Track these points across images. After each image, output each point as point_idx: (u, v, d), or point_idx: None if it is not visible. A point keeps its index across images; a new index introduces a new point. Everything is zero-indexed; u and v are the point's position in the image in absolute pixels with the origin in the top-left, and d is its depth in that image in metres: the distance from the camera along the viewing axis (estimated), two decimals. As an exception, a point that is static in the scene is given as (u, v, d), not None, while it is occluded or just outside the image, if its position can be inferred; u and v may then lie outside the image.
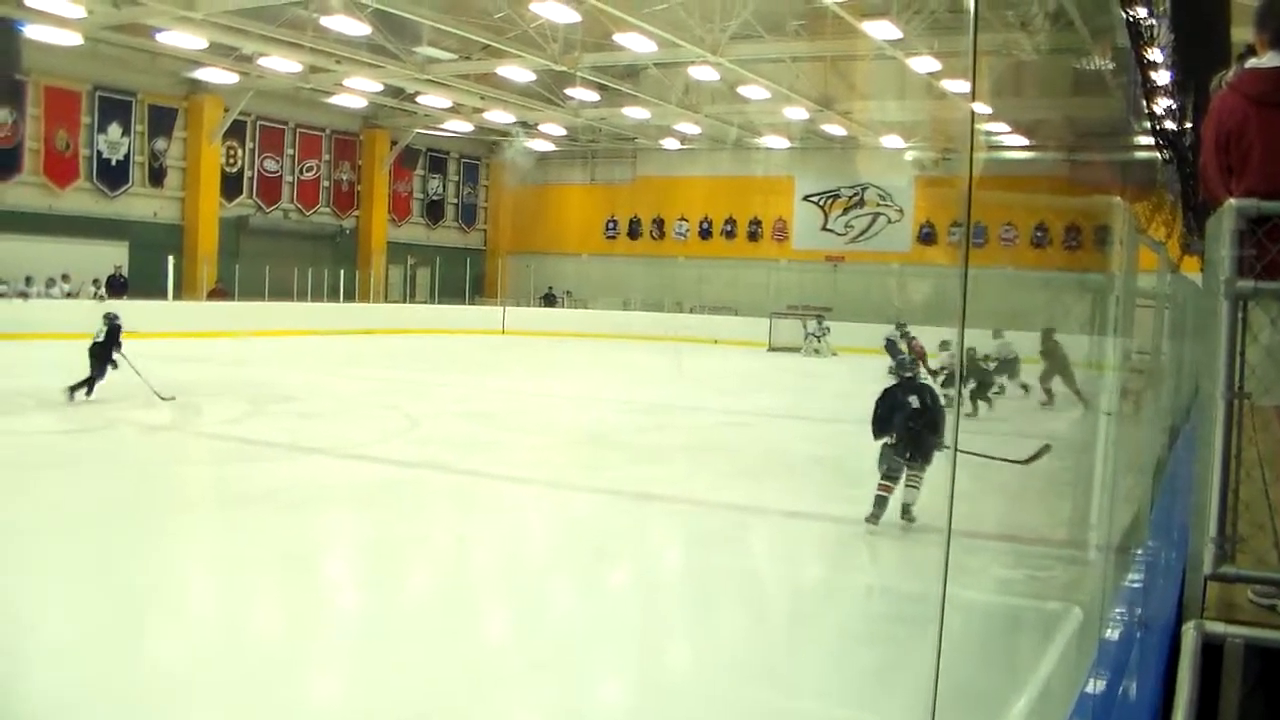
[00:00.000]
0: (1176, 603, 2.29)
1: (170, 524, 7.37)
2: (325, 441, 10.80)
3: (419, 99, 26.46)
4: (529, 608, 5.89)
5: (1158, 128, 16.56)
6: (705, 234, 32.43)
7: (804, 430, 13.24)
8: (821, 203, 30.66)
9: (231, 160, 26.64)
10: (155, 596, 5.70)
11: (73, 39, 19.71)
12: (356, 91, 25.60)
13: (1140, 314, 3.78)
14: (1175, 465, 4.92)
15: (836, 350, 24.82)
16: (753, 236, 31.70)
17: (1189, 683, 1.83)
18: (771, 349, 26.00)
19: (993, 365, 14.18)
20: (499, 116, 28.28)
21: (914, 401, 7.46)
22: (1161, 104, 15.43)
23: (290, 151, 28.39)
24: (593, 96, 25.29)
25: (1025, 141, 26.25)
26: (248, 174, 27.25)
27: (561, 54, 20.68)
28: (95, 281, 22.56)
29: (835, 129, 26.57)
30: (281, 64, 22.32)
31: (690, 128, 28.34)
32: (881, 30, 17.89)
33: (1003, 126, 25.08)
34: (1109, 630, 2.77)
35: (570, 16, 18.10)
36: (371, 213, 30.63)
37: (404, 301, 30.85)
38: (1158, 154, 18.06)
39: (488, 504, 8.48)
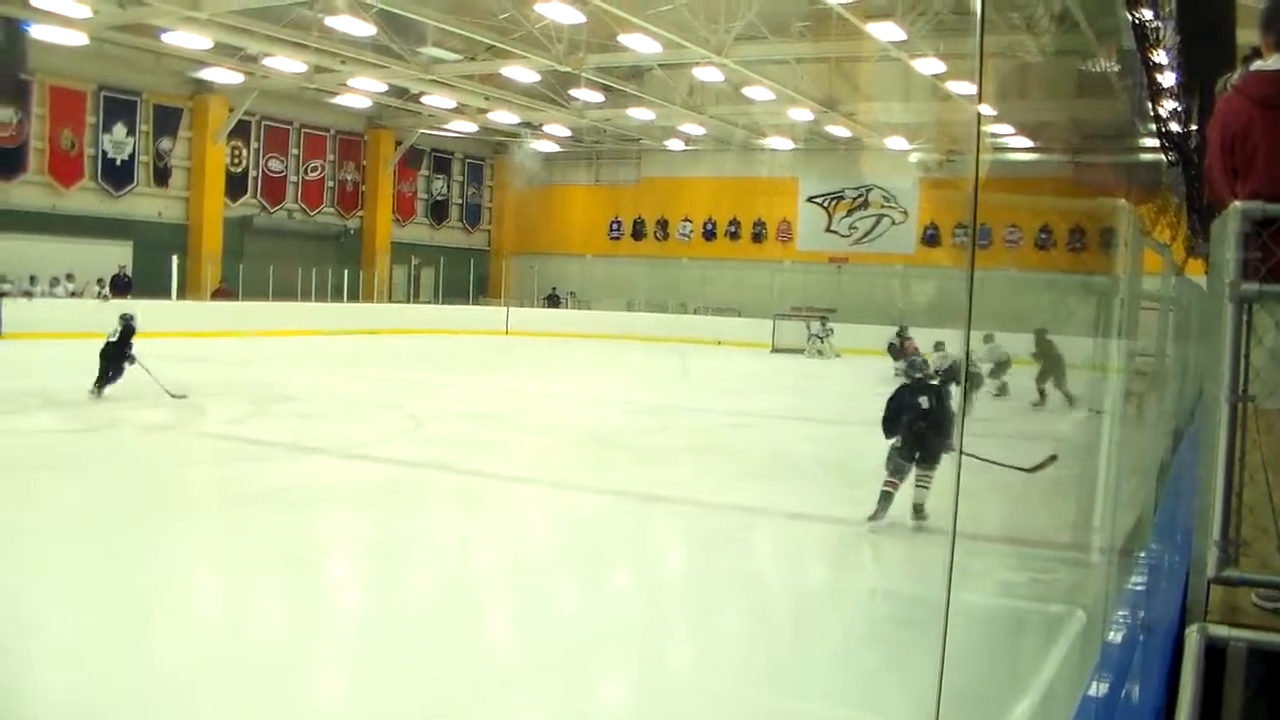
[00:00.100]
0: (1180, 606, 2.29)
1: (173, 524, 7.37)
2: (328, 441, 10.81)
3: (424, 99, 26.49)
4: (532, 608, 5.89)
5: (1163, 130, 16.55)
6: (709, 235, 32.40)
7: (807, 431, 13.23)
8: (826, 204, 30.64)
9: (236, 160, 26.67)
10: (158, 596, 5.69)
11: (78, 39, 19.76)
12: (361, 92, 25.65)
13: (1144, 317, 3.77)
14: (1179, 468, 4.91)
15: (840, 352, 24.79)
16: (757, 238, 31.69)
17: (1192, 686, 1.82)
18: (775, 350, 25.96)
19: (986, 369, 14.16)
20: (503, 117, 28.31)
21: (924, 402, 7.45)
22: (1167, 106, 15.42)
23: (295, 151, 28.41)
24: (597, 97, 25.30)
25: (1030, 143, 26.19)
26: (252, 174, 27.27)
27: (566, 55, 20.68)
28: (100, 281, 22.58)
29: (840, 130, 26.55)
30: (286, 64, 22.34)
31: (695, 129, 28.33)
32: (886, 32, 17.85)
33: (1007, 128, 25.00)
34: (1112, 633, 2.77)
35: (575, 17, 18.09)
36: (376, 213, 30.64)
37: (408, 302, 30.82)
38: (1163, 156, 18.04)
39: (491, 504, 8.48)
